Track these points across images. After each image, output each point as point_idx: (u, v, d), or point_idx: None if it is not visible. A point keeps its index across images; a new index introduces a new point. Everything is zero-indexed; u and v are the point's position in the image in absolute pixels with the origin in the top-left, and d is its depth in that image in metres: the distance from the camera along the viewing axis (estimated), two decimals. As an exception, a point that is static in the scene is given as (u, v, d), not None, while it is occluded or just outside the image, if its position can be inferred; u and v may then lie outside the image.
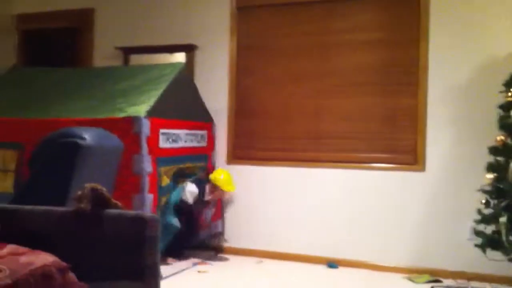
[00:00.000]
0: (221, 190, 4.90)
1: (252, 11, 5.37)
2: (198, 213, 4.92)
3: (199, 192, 4.78)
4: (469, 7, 4.59)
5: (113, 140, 3.48)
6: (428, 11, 4.70)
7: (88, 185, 2.48)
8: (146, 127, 4.25)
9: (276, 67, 5.28)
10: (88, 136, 3.16)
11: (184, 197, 4.69)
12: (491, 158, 4.06)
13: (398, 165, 4.80)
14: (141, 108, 4.33)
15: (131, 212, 2.44)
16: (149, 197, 4.23)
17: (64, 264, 2.13)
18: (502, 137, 3.95)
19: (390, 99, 4.86)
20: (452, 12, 4.63)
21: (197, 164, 5.06)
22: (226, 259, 5.11)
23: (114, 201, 2.49)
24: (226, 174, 4.92)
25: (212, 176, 4.89)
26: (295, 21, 5.21)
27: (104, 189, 2.52)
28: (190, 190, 4.74)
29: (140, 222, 2.36)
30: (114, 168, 3.46)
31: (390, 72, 4.87)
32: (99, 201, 2.47)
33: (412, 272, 4.63)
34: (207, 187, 4.87)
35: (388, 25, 4.89)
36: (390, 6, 4.89)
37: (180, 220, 4.62)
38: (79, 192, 2.47)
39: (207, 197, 4.87)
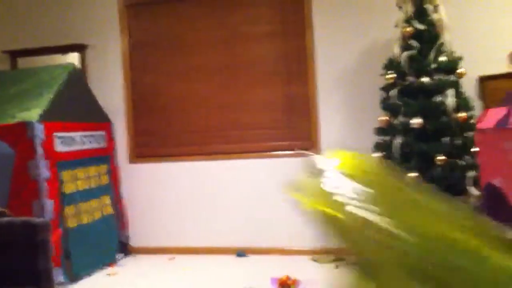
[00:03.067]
0: None
1: (142, 8, 5.35)
2: None
3: None
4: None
5: (2, 148, 3.40)
6: (310, 2, 4.91)
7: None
8: (40, 131, 4.16)
9: (173, 63, 5.30)
10: (-26, 145, 3.07)
11: None
12: (377, 138, 4.32)
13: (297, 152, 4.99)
14: (33, 113, 4.23)
15: (20, 218, 2.40)
16: (49, 203, 4.14)
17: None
18: (386, 117, 4.21)
19: (286, 89, 5.03)
20: (334, 3, 4.87)
21: (101, 166, 4.99)
22: (135, 259, 5.10)
23: (1, 209, 2.45)
24: None
25: None
26: (187, 16, 5.25)
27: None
28: None
29: (30, 227, 2.34)
30: (7, 176, 3.38)
31: (283, 63, 5.04)
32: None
33: (318, 253, 4.83)
34: None
35: (277, 18, 5.05)
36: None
37: None
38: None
39: None
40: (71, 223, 4.40)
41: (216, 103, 5.20)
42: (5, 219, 2.40)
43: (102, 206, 4.88)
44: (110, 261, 4.92)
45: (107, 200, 4.98)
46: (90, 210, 4.69)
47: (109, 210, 5.00)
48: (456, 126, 4.00)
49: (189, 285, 4.29)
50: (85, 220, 4.59)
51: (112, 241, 5.01)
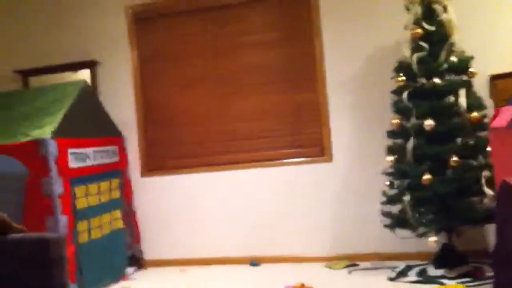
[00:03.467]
0: None
1: (149, 22, 5.38)
2: None
3: None
4: (356, 3, 4.81)
5: (15, 166, 3.42)
6: (318, 8, 4.89)
7: (-14, 213, 2.44)
8: (53, 148, 4.18)
9: (180, 74, 5.31)
10: (-12, 163, 3.10)
11: None
12: (390, 141, 4.29)
13: (307, 159, 4.96)
14: (46, 130, 4.25)
15: (35, 234, 2.41)
16: (63, 219, 4.15)
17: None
18: (398, 120, 4.18)
19: (293, 96, 5.01)
20: (341, 9, 4.85)
21: (113, 180, 5.01)
22: (148, 272, 5.10)
23: (16, 225, 2.46)
24: None
25: None
26: (192, 27, 5.27)
27: (5, 215, 2.47)
28: None
29: (44, 244, 2.34)
30: (20, 193, 3.41)
31: (290, 70, 5.02)
32: (1, 227, 2.43)
33: (331, 260, 4.79)
34: None
35: (282, 25, 5.04)
36: (281, 6, 5.04)
37: None
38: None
39: None
40: (82, 238, 4.41)
41: (225, 113, 5.20)
42: (20, 235, 2.41)
43: (112, 220, 4.89)
44: (120, 275, 4.91)
45: (117, 214, 4.99)
46: (101, 225, 4.70)
47: (119, 224, 5.00)
48: (469, 126, 3.96)
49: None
50: (96, 235, 4.59)
51: (122, 255, 5.01)
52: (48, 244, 2.31)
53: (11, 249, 2.37)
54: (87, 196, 4.55)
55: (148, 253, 5.31)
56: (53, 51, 5.57)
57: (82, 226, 4.42)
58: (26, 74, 5.63)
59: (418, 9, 4.15)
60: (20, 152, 4.09)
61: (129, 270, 5.03)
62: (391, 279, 4.13)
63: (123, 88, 5.41)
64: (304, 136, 5.00)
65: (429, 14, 4.12)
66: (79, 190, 4.44)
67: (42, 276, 2.30)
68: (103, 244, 4.68)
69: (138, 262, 5.22)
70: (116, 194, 5.03)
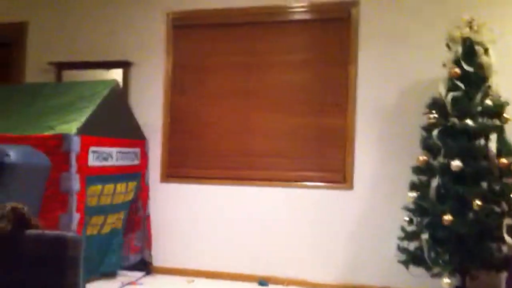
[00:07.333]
0: None
1: (187, 30, 5.42)
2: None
3: None
4: (396, 33, 4.80)
5: (40, 158, 3.43)
6: (358, 33, 4.88)
7: (8, 205, 2.44)
8: (76, 145, 4.18)
9: (210, 86, 5.33)
10: (13, 153, 3.12)
11: None
12: (414, 177, 4.23)
13: (327, 184, 4.93)
14: (71, 126, 4.27)
15: (53, 232, 2.41)
16: (77, 216, 4.15)
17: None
18: (425, 157, 4.13)
19: (320, 119, 4.99)
20: (380, 37, 4.83)
21: (130, 183, 5.01)
22: (156, 279, 5.07)
23: (35, 221, 2.45)
24: None
25: None
26: (228, 40, 5.29)
27: (25, 208, 2.47)
28: None
29: (62, 242, 2.34)
30: (41, 186, 3.42)
31: (320, 92, 5.00)
32: (20, 221, 2.42)
33: (340, 288, 4.75)
34: None
35: (318, 46, 5.03)
36: (319, 28, 5.05)
37: None
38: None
39: None
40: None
41: (250, 128, 5.20)
42: (38, 231, 2.41)
43: (116, 221, 4.89)
44: (115, 275, 4.92)
45: (122, 215, 4.99)
46: (103, 224, 4.69)
47: (120, 224, 4.99)
48: (496, 172, 3.91)
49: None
50: (93, 231, 4.56)
51: (117, 255, 4.98)
52: (66, 244, 2.31)
53: (27, 245, 2.37)
54: (101, 195, 4.56)
55: (158, 260, 5.29)
56: (89, 47, 5.63)
57: (88, 222, 4.42)
58: (60, 67, 5.69)
59: (459, 48, 4.11)
60: (43, 145, 4.10)
61: (138, 274, 5.01)
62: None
63: (153, 92, 5.44)
64: (327, 161, 4.96)
65: (470, 55, 4.07)
66: (93, 189, 4.44)
67: (57, 275, 2.29)
68: (99, 241, 4.66)
69: (147, 267, 5.21)
70: (130, 196, 5.03)
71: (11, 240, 2.39)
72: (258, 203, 5.09)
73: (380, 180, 4.78)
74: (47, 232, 2.44)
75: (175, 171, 5.40)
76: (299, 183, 5.00)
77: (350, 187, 4.84)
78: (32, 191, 3.19)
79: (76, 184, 4.17)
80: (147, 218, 5.23)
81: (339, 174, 4.91)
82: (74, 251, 2.35)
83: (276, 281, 4.93)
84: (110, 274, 4.89)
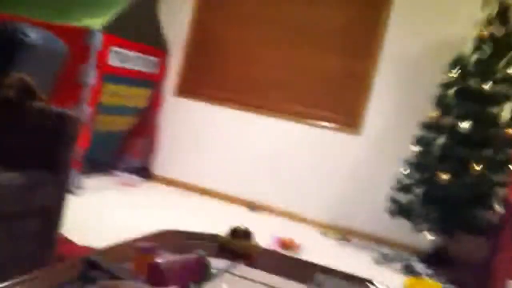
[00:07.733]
0: None
1: None
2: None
3: None
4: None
5: (59, 45, 3.48)
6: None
7: (16, 74, 2.51)
8: (98, 41, 4.24)
9: (240, 10, 5.29)
10: (33, 34, 3.17)
11: None
12: (421, 132, 4.22)
13: (337, 125, 4.94)
14: (97, 21, 4.31)
15: (56, 108, 2.48)
16: (87, 109, 4.25)
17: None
18: (435, 114, 4.11)
19: (344, 60, 4.94)
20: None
21: (145, 90, 5.08)
22: (153, 186, 5.25)
23: (40, 94, 2.53)
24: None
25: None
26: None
27: (33, 81, 2.55)
28: None
29: (64, 118, 2.41)
30: (55, 72, 3.47)
31: (350, 34, 4.94)
32: (26, 91, 2.50)
33: (326, 228, 4.82)
34: None
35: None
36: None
37: None
38: (7, 80, 2.49)
39: None
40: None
41: (272, 58, 5.17)
42: (41, 104, 2.48)
43: (122, 123, 5.01)
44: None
45: (130, 119, 5.10)
46: (109, 123, 4.81)
47: (125, 127, 5.12)
48: (503, 141, 3.89)
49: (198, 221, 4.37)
50: (100, 128, 4.63)
51: (110, 153, 5.16)
52: (67, 120, 2.38)
53: (30, 115, 2.45)
54: (115, 95, 4.64)
55: (157, 169, 5.44)
56: None
57: (98, 119, 4.51)
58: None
59: (493, 10, 4.01)
60: (66, 35, 4.11)
61: (137, 178, 5.16)
62: (376, 262, 4.16)
63: (182, 6, 5.41)
64: (342, 104, 4.95)
65: (503, 19, 3.98)
66: (109, 87, 4.52)
67: (52, 148, 2.37)
68: (100, 139, 4.72)
69: (146, 173, 5.35)
70: (141, 103, 5.11)
71: (17, 108, 2.47)
72: (264, 132, 5.15)
73: (388, 130, 4.77)
74: (51, 107, 2.52)
75: (191, 87, 5.42)
76: (308, 120, 5.02)
77: (359, 132, 4.85)
78: (45, 76, 3.24)
79: (92, 78, 4.25)
80: (155, 127, 5.33)
81: (350, 117, 4.91)
82: (72, 129, 2.43)
83: (266, 209, 5.05)
84: (109, 172, 5.05)
